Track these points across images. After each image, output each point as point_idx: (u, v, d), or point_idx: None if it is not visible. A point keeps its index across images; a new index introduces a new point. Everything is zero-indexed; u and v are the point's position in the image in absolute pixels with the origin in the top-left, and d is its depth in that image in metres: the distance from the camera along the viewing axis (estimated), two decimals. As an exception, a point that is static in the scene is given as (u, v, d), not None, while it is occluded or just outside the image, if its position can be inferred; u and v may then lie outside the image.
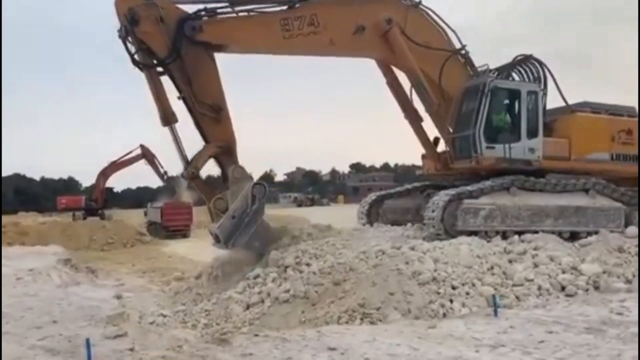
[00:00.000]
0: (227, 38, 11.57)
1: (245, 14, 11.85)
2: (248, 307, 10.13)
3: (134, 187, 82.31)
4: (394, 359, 5.69)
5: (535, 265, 10.24)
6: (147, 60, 11.22)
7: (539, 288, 9.49)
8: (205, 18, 11.46)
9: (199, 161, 11.50)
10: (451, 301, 8.89)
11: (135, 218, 47.44)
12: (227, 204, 11.29)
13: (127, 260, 28.05)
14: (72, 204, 47.33)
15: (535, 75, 13.93)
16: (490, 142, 12.86)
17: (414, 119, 14.39)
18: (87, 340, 5.52)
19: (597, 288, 9.78)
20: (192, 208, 43.94)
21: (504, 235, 11.95)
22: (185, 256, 24.49)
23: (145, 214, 46.56)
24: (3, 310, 7.88)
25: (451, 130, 13.84)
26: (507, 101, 13.64)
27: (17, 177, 74.87)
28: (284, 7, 12.02)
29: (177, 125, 11.83)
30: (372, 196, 15.60)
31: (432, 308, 8.61)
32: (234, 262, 12.66)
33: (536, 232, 11.96)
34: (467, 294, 9.20)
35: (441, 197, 11.88)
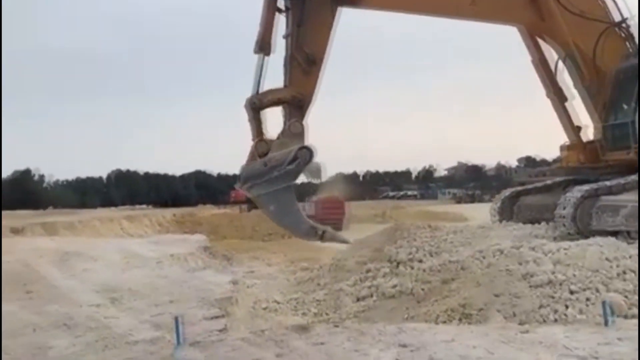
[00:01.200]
0: None
1: None
2: (358, 299, 10.32)
3: (299, 182, 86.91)
4: (462, 361, 5.44)
5: (682, 273, 8.84)
6: None
7: (681, 299, 8.18)
8: None
9: (267, 96, 10.79)
10: (566, 307, 8.11)
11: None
12: (268, 149, 10.44)
13: (281, 250, 29.83)
14: (240, 197, 51.68)
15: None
16: None
17: (559, 98, 13.20)
18: (176, 319, 6.20)
19: None
20: (345, 202, 45.34)
21: (654, 237, 10.46)
22: (334, 248, 25.40)
23: (303, 208, 49.01)
24: (136, 288, 9.08)
25: (603, 115, 12.48)
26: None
27: (198, 173, 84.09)
28: None
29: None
30: (506, 192, 14.69)
31: (542, 313, 7.94)
32: (356, 255, 12.95)
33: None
34: (588, 299, 8.29)
35: (574, 194, 10.82)
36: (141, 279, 9.61)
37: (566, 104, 13.23)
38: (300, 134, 10.65)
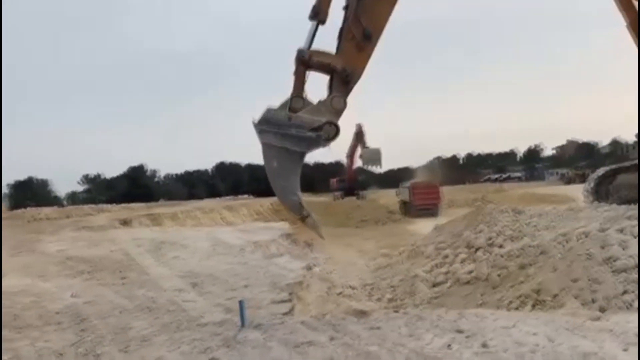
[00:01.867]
0: None
1: None
2: (433, 285, 10.23)
3: (395, 167, 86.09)
4: (517, 348, 5.27)
5: None
6: None
7: None
8: None
9: (318, 56, 10.12)
10: (655, 293, 7.50)
11: (392, 197, 50.18)
12: (301, 108, 9.85)
13: (374, 236, 30.12)
14: (335, 185, 52.55)
15: None
16: None
17: None
18: (241, 303, 6.57)
19: None
20: (440, 187, 44.45)
21: None
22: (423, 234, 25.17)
23: (397, 193, 48.85)
24: (217, 274, 9.67)
25: None
26: None
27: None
28: None
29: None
30: (601, 171, 13.69)
31: (625, 299, 7.41)
32: (436, 241, 12.78)
33: None
34: (682, 285, 7.61)
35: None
36: (223, 265, 10.19)
37: None
38: (339, 111, 10.01)
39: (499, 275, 9.21)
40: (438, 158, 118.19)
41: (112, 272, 10.18)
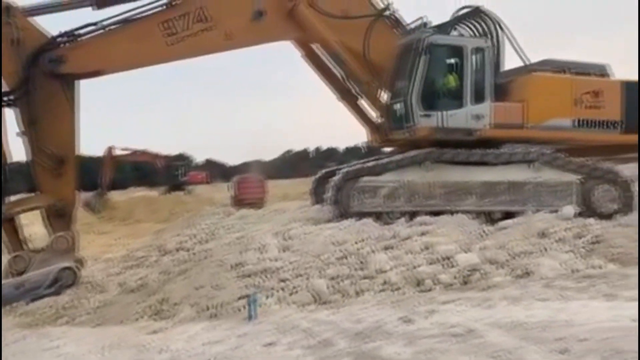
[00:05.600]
0: (99, 62, 9.59)
1: (116, 26, 9.69)
2: (101, 292, 9.89)
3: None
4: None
5: (406, 254, 8.80)
6: None
7: (385, 282, 8.08)
8: (67, 44, 9.42)
9: (19, 206, 9.44)
10: (267, 297, 7.89)
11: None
12: (26, 266, 9.36)
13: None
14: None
15: (486, 29, 11.86)
16: (426, 109, 11.20)
17: (351, 100, 12.66)
18: None
19: (466, 283, 8.16)
20: (265, 182, 45.16)
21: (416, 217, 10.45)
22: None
23: (227, 188, 48.78)
24: None
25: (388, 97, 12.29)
26: (448, 61, 11.78)
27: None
28: (162, 7, 9.89)
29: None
30: (320, 173, 14.36)
31: (237, 305, 7.64)
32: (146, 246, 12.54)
33: (454, 212, 10.32)
34: (299, 287, 8.06)
35: (338, 176, 10.68)
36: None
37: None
38: (67, 250, 9.48)
39: (156, 282, 9.18)
40: (289, 151, 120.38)
41: None
